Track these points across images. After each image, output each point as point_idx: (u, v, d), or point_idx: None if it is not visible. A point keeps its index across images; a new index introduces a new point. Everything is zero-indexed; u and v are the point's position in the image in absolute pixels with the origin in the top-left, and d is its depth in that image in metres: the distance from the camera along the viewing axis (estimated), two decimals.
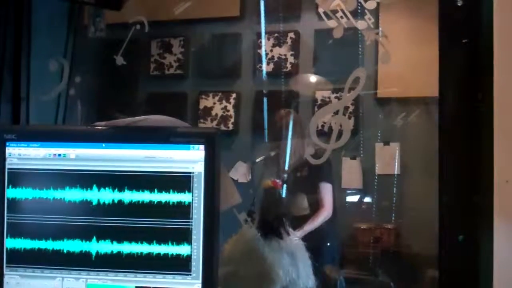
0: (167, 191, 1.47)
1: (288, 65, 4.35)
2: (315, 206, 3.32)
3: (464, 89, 1.70)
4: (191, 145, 1.47)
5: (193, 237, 1.45)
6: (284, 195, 3.22)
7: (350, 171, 4.11)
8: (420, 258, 3.54)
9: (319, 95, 4.23)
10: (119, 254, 1.48)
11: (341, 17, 2.08)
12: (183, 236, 1.46)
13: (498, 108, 1.57)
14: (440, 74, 1.72)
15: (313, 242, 3.02)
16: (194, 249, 1.45)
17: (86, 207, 1.49)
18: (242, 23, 4.47)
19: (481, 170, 1.65)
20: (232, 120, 4.47)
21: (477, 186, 1.67)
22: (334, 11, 2.10)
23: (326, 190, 3.37)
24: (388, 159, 3.97)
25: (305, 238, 2.90)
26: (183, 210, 1.46)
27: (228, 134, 4.40)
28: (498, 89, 1.57)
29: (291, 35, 4.34)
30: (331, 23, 2.10)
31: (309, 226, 3.21)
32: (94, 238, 1.49)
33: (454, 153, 1.71)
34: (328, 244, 3.35)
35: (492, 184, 1.58)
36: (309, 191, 3.34)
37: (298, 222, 3.19)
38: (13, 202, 1.52)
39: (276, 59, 4.37)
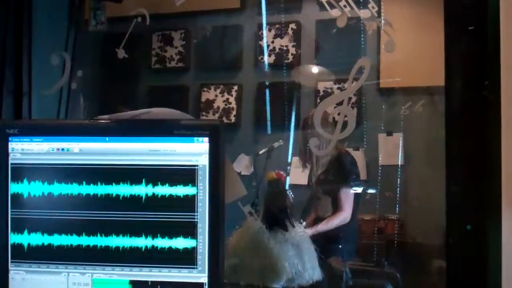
0: (172, 184, 1.46)
1: (290, 56, 4.33)
2: (335, 208, 3.29)
3: (471, 77, 1.68)
4: (195, 138, 1.46)
5: (199, 230, 1.44)
6: (287, 186, 3.21)
7: None
8: (425, 248, 3.53)
9: (321, 86, 4.21)
10: (124, 248, 1.47)
11: (344, 6, 2.06)
12: (189, 230, 1.45)
13: (506, 95, 1.56)
14: (446, 62, 1.70)
15: (319, 235, 3.02)
16: (199, 242, 1.44)
17: (89, 202, 1.48)
18: (243, 15, 4.46)
19: (488, 159, 1.64)
20: (234, 112, 4.46)
21: (484, 175, 1.65)
22: (338, 0, 2.08)
23: (348, 196, 3.32)
24: (392, 149, 3.96)
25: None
26: (188, 203, 1.45)
27: (230, 126, 4.39)
28: (505, 76, 1.56)
29: (293, 26, 4.32)
30: (334, 12, 2.08)
31: (323, 227, 3.18)
32: (99, 232, 1.48)
33: (461, 142, 1.69)
34: (333, 236, 3.33)
35: (500, 173, 1.57)
36: (332, 194, 3.31)
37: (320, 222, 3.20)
38: (16, 198, 1.51)
39: (277, 50, 4.35)
